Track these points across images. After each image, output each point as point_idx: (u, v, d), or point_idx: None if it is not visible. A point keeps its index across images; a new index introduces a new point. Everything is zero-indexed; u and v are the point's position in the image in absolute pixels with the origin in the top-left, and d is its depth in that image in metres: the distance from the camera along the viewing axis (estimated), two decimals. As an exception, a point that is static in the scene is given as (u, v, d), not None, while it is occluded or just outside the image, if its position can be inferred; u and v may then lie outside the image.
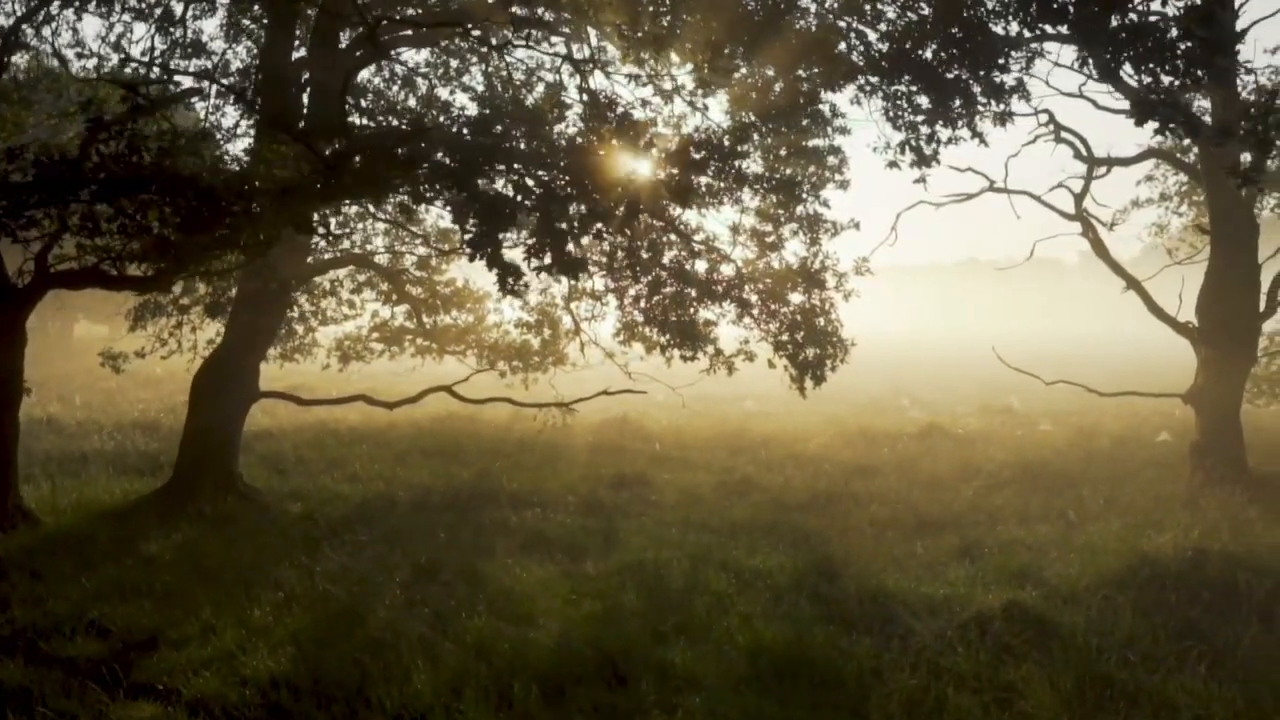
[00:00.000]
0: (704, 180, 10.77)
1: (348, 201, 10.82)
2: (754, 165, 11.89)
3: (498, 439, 17.63)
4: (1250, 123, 7.41)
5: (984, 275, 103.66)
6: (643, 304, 12.16)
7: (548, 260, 7.02)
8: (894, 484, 13.50)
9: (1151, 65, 6.87)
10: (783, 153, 12.35)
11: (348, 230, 15.23)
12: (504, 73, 15.43)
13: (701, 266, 11.97)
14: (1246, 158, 14.47)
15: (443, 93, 16.19)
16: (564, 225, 7.01)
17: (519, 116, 9.40)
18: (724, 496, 13.09)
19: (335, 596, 7.96)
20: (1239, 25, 13.62)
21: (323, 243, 16.10)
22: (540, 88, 14.68)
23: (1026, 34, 7.33)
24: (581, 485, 13.47)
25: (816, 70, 9.47)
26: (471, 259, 6.81)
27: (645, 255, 11.35)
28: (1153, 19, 6.87)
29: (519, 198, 7.06)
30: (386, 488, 13.06)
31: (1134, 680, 6.27)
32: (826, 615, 7.71)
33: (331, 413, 19.50)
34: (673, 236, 11.56)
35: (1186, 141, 14.68)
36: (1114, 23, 6.75)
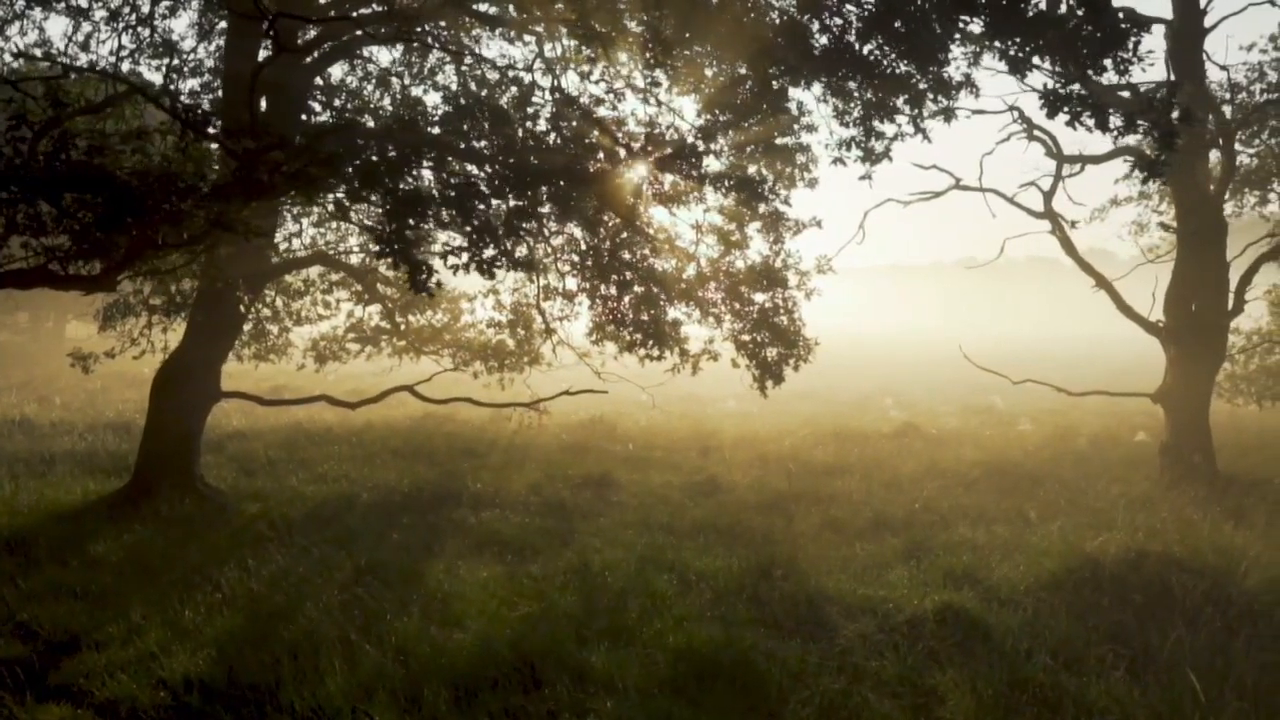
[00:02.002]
0: (668, 178, 10.71)
1: (287, 201, 10.75)
2: (716, 163, 11.81)
3: (470, 439, 17.58)
4: (1154, 115, 7.32)
5: (983, 274, 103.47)
6: (610, 304, 12.08)
7: (465, 259, 6.96)
8: (858, 484, 13.38)
9: (1059, 56, 6.78)
10: (749, 149, 12.25)
11: (297, 231, 15.13)
12: (477, 72, 15.37)
13: (666, 265, 11.91)
14: (1216, 155, 14.41)
15: (416, 91, 16.18)
16: (480, 222, 6.94)
17: (475, 113, 9.32)
18: (688, 497, 12.99)
19: (268, 598, 7.90)
20: (1208, 21, 13.57)
21: (295, 241, 16.14)
22: (513, 88, 14.60)
23: (947, 26, 7.24)
24: (546, 486, 13.40)
25: (770, 67, 9.36)
26: (379, 256, 6.75)
27: (607, 255, 11.27)
28: (1061, 10, 6.78)
29: (440, 194, 6.99)
30: (350, 488, 12.99)
31: (1057, 685, 6.17)
32: (761, 618, 7.63)
33: (308, 413, 19.51)
34: (636, 236, 11.48)
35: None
36: (1028, 13, 6.67)
